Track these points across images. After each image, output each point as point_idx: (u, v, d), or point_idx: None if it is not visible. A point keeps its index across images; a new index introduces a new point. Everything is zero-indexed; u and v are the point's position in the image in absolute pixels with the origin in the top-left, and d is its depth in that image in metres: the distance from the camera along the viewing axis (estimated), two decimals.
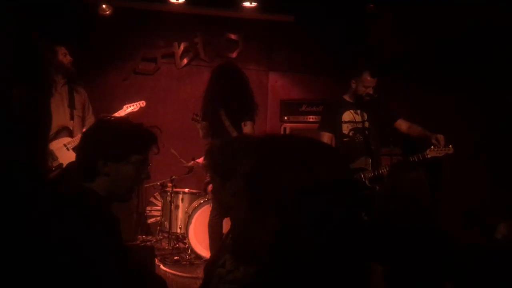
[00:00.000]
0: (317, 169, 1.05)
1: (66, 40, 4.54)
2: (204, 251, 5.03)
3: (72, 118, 4.46)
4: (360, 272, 1.14)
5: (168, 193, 5.62)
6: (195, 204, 5.36)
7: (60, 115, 4.34)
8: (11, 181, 0.93)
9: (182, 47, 6.88)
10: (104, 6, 6.25)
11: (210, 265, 1.87)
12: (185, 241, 5.47)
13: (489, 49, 4.91)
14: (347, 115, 4.43)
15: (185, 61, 6.93)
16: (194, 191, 5.78)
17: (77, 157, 1.94)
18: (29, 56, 0.95)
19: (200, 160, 5.56)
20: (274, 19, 6.82)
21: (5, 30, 0.93)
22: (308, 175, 1.04)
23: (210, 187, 5.35)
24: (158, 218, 5.96)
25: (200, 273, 4.49)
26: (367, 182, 4.18)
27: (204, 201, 5.27)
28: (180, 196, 5.67)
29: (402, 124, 4.41)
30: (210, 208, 4.61)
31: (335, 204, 1.05)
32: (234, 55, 6.94)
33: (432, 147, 4.05)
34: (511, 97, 4.56)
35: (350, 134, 4.41)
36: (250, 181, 1.06)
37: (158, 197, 6.19)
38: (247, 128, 4.30)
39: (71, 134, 4.44)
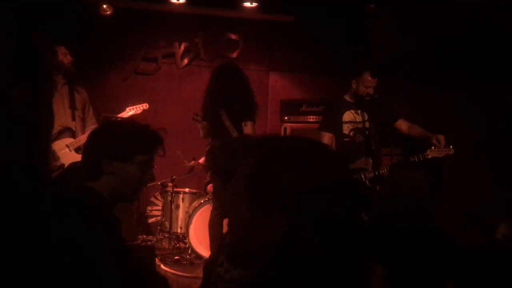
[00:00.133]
0: (317, 169, 1.06)
1: (66, 40, 4.54)
2: (204, 251, 5.04)
3: (74, 119, 4.47)
4: (360, 272, 1.14)
5: (169, 193, 5.62)
6: (195, 204, 5.36)
7: (61, 115, 4.34)
8: (11, 181, 0.93)
9: (182, 47, 6.89)
10: (104, 6, 6.26)
11: (209, 264, 1.88)
12: (185, 240, 5.48)
13: (489, 49, 4.91)
14: (348, 115, 4.43)
15: (185, 61, 6.94)
16: (195, 191, 5.78)
17: (82, 156, 1.95)
18: (29, 56, 0.95)
19: (201, 160, 5.56)
20: (274, 19, 6.82)
21: (5, 30, 0.94)
22: (309, 175, 1.04)
23: (210, 187, 5.36)
24: (159, 218, 5.96)
25: (200, 272, 4.49)
26: (367, 182, 4.18)
27: (204, 201, 5.27)
28: (181, 196, 5.68)
29: (402, 125, 4.41)
30: (210, 208, 4.61)
31: (335, 204, 1.05)
32: (234, 55, 6.95)
33: (433, 147, 4.05)
34: (511, 97, 4.56)
35: (351, 134, 4.41)
36: (252, 182, 1.06)
37: (159, 197, 6.19)
38: (247, 128, 4.30)
39: (73, 135, 4.45)
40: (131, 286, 1.80)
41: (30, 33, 0.96)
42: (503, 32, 4.64)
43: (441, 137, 4.05)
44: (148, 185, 6.01)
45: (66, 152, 4.37)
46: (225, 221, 4.14)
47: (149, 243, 5.78)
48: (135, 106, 4.79)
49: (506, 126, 4.64)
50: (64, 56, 4.39)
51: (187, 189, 5.78)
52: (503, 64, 4.71)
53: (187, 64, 6.94)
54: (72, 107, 4.47)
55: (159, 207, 6.05)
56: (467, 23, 4.95)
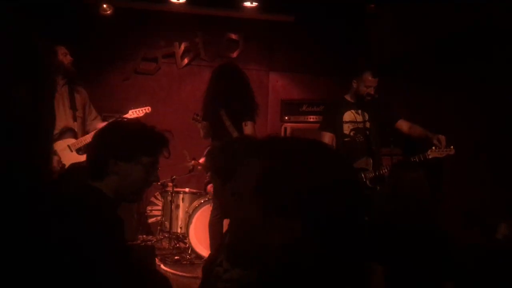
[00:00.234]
0: (329, 171, 1.07)
1: (66, 40, 4.54)
2: (204, 251, 5.04)
3: (75, 119, 4.48)
4: (360, 272, 1.14)
5: (169, 193, 5.62)
6: (195, 203, 5.36)
7: (62, 116, 4.35)
8: (11, 181, 0.93)
9: (182, 47, 6.89)
10: (104, 6, 6.27)
11: (209, 264, 1.88)
12: (185, 240, 5.48)
13: (489, 49, 4.90)
14: (348, 115, 4.43)
15: (185, 61, 6.94)
16: (195, 191, 5.78)
17: (87, 155, 1.96)
18: (29, 56, 0.95)
19: (201, 160, 5.56)
20: (274, 19, 6.83)
21: (5, 30, 0.94)
22: (321, 177, 1.05)
23: (210, 187, 5.36)
24: (159, 217, 5.96)
25: (200, 272, 4.49)
26: (368, 182, 4.18)
27: (204, 201, 5.27)
28: (181, 196, 5.68)
29: (403, 125, 4.41)
30: (210, 208, 4.61)
31: (345, 205, 1.06)
32: (234, 55, 6.95)
33: (434, 147, 4.05)
34: (511, 97, 4.56)
35: (351, 134, 4.41)
36: (264, 183, 1.06)
37: (159, 197, 6.19)
38: (248, 128, 4.30)
39: (75, 135, 4.46)
40: (132, 286, 1.80)
41: (30, 33, 0.96)
42: (503, 32, 4.64)
43: (442, 137, 4.05)
44: None
45: (67, 152, 4.38)
46: (225, 221, 4.14)
47: (149, 243, 5.78)
48: (138, 110, 4.80)
49: (506, 126, 4.63)
50: (64, 56, 4.39)
51: (187, 189, 5.78)
52: (503, 64, 4.71)
53: (187, 64, 6.95)
54: (73, 107, 4.47)
55: (159, 207, 6.05)
56: (467, 23, 4.95)
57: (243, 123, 4.30)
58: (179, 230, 5.59)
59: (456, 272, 2.63)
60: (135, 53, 6.78)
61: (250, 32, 6.94)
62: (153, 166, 1.94)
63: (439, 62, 5.52)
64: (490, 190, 4.70)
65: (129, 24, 6.56)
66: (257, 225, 1.06)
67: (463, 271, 2.69)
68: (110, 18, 6.32)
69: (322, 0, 6.32)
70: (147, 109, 4.82)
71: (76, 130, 4.48)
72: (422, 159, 4.06)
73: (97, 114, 4.77)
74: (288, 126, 6.38)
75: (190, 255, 5.19)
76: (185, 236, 5.46)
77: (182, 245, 5.63)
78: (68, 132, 4.43)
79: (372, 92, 4.32)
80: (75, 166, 4.32)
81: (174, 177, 5.62)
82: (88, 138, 4.50)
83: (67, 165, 4.32)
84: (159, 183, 5.83)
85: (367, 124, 4.37)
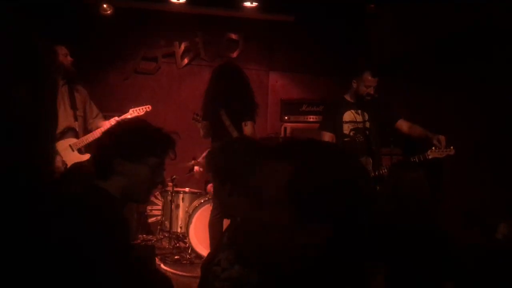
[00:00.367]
0: (349, 174, 1.11)
1: (66, 40, 4.54)
2: (204, 251, 5.04)
3: (76, 119, 4.48)
4: (360, 272, 1.15)
5: (169, 193, 5.62)
6: (195, 203, 5.36)
7: (63, 116, 4.36)
8: (11, 182, 0.93)
9: (182, 46, 6.89)
10: (104, 5, 6.27)
11: (207, 263, 1.88)
12: (185, 240, 5.48)
13: (489, 49, 4.91)
14: (348, 115, 4.44)
15: (185, 60, 6.94)
16: (195, 190, 5.78)
17: (94, 154, 1.95)
18: (29, 56, 0.95)
19: (200, 158, 5.56)
20: (274, 19, 6.83)
21: (5, 30, 0.94)
22: (345, 180, 1.08)
23: (210, 186, 5.37)
24: (159, 217, 5.97)
25: (200, 272, 4.50)
26: None
27: (204, 201, 5.28)
28: (181, 195, 5.68)
29: (403, 125, 4.41)
30: (210, 208, 4.62)
31: (364, 208, 1.10)
32: (234, 55, 6.95)
33: (433, 148, 4.06)
34: (511, 97, 4.56)
35: (351, 134, 4.41)
36: (294, 188, 1.07)
37: (159, 197, 6.19)
38: (247, 128, 4.30)
39: (76, 135, 4.47)
40: (134, 286, 1.80)
41: (30, 33, 0.96)
42: (503, 32, 4.64)
43: (442, 138, 4.05)
44: None
45: (69, 152, 4.39)
46: (225, 221, 4.15)
47: (149, 242, 5.78)
48: (138, 108, 4.80)
49: (506, 126, 4.63)
50: (65, 57, 4.40)
51: (187, 189, 5.78)
52: (503, 64, 4.71)
53: (187, 64, 6.95)
54: (73, 107, 4.48)
55: (159, 207, 6.05)
56: (467, 23, 4.95)
57: (243, 123, 4.30)
58: (179, 230, 5.59)
59: (456, 272, 2.63)
60: (135, 53, 6.79)
61: (250, 32, 6.94)
62: (160, 167, 1.93)
63: (439, 62, 5.52)
64: (490, 190, 4.70)
65: (129, 24, 6.56)
66: (284, 228, 1.07)
67: (463, 271, 2.69)
68: (110, 18, 6.32)
69: (322, 0, 6.32)
70: (148, 108, 4.82)
71: (77, 129, 4.49)
72: (422, 159, 4.07)
73: (99, 111, 4.78)
74: (288, 126, 6.38)
75: (190, 254, 5.19)
76: (185, 236, 5.46)
77: (182, 244, 5.63)
78: (70, 132, 4.44)
79: (372, 92, 4.32)
80: (76, 165, 4.33)
81: (174, 176, 5.62)
82: (89, 137, 4.50)
83: (69, 165, 4.33)
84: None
85: (367, 124, 4.37)
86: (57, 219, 1.49)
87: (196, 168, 5.73)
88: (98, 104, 4.96)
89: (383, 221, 2.77)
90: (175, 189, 5.62)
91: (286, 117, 6.45)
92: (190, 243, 5.20)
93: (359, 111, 4.40)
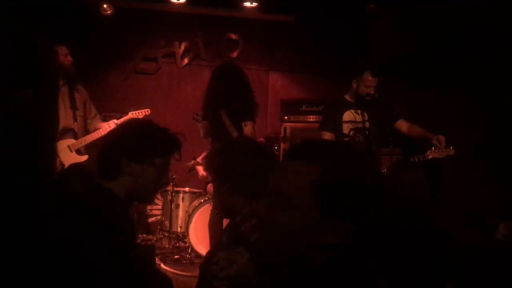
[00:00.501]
0: (369, 173, 1.16)
1: (66, 40, 4.54)
2: (204, 250, 5.03)
3: (75, 119, 4.48)
4: (361, 273, 1.15)
5: (169, 192, 5.62)
6: (195, 203, 5.36)
7: (62, 116, 4.36)
8: (11, 182, 0.93)
9: (182, 46, 6.89)
10: (104, 6, 6.27)
11: (206, 263, 1.88)
12: (185, 240, 5.48)
13: (489, 49, 4.90)
14: (348, 115, 4.43)
15: (185, 60, 6.94)
16: (195, 190, 5.78)
17: (100, 153, 1.93)
18: (30, 56, 0.95)
19: (200, 158, 5.56)
20: (274, 19, 6.83)
21: (5, 30, 0.94)
22: (366, 178, 1.12)
23: (209, 186, 5.36)
24: (159, 217, 5.97)
25: None
26: None
27: (204, 200, 5.28)
28: (181, 195, 5.68)
29: (402, 125, 4.41)
30: (210, 207, 4.62)
31: (383, 204, 1.13)
32: (234, 55, 6.95)
33: (433, 148, 4.06)
34: (511, 97, 4.56)
35: (351, 134, 4.41)
36: (319, 187, 1.09)
37: (159, 196, 6.18)
38: (247, 128, 4.30)
39: (75, 136, 4.47)
40: (134, 286, 1.80)
41: (31, 33, 0.96)
42: (503, 32, 4.64)
43: (442, 138, 4.05)
44: None
45: (67, 153, 4.39)
46: (225, 221, 4.15)
47: (149, 242, 5.78)
48: (138, 111, 4.81)
49: (506, 126, 4.63)
50: (65, 57, 4.40)
51: (187, 189, 5.78)
52: (503, 64, 4.71)
53: (187, 64, 6.95)
54: (73, 107, 4.48)
55: (159, 207, 6.05)
56: (467, 23, 4.94)
57: (243, 123, 4.31)
58: (179, 230, 5.59)
59: (456, 272, 2.63)
60: (135, 53, 6.78)
61: (250, 32, 6.94)
62: (165, 167, 1.94)
63: (439, 62, 5.52)
64: (490, 190, 4.70)
65: (129, 24, 6.55)
66: (310, 229, 1.08)
67: (463, 271, 2.69)
68: (110, 18, 6.32)
69: (322, 0, 6.32)
70: (147, 111, 4.83)
71: (76, 130, 4.49)
72: (421, 159, 4.07)
73: (97, 112, 4.78)
74: (288, 126, 6.38)
75: (190, 254, 5.19)
76: (185, 236, 5.46)
77: (182, 244, 5.63)
78: (69, 132, 4.44)
79: (372, 92, 4.32)
80: (74, 166, 4.33)
81: (174, 176, 5.61)
82: (88, 139, 4.50)
83: (66, 166, 4.33)
84: None
85: (367, 124, 4.37)
86: (58, 219, 1.49)
87: (201, 173, 5.72)
88: (98, 104, 4.97)
89: (383, 221, 2.77)
90: (175, 188, 5.62)
91: (286, 117, 6.45)
92: (190, 242, 5.20)
93: (359, 111, 4.41)
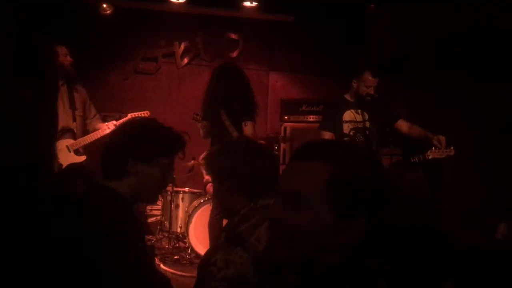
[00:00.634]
0: (380, 172, 1.19)
1: (66, 40, 4.54)
2: (204, 251, 5.02)
3: (74, 119, 4.48)
4: (361, 273, 1.15)
5: (169, 193, 5.62)
6: (195, 203, 5.36)
7: (62, 116, 4.36)
8: (11, 182, 0.93)
9: (182, 46, 6.89)
10: (104, 5, 6.26)
11: (204, 263, 1.88)
12: (185, 240, 5.48)
13: (489, 49, 4.90)
14: (348, 115, 4.44)
15: (185, 60, 6.94)
16: (195, 190, 5.78)
17: (104, 154, 1.91)
18: (30, 56, 0.95)
19: (200, 158, 5.56)
20: (274, 19, 6.82)
21: (5, 30, 0.94)
22: (378, 177, 1.15)
23: (209, 186, 5.36)
24: (158, 217, 5.96)
25: None
26: None
27: (204, 201, 5.27)
28: (181, 195, 5.68)
29: (402, 125, 4.41)
30: (210, 208, 4.61)
31: (390, 201, 1.17)
32: (234, 54, 6.95)
33: (433, 148, 4.06)
34: (511, 97, 4.56)
35: (351, 133, 4.41)
36: (334, 186, 1.10)
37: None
38: (247, 128, 4.30)
39: (74, 136, 4.46)
40: (133, 286, 1.80)
41: (31, 33, 0.96)
42: (503, 32, 4.64)
43: (442, 138, 4.05)
44: None
45: (66, 153, 4.39)
46: (225, 221, 4.14)
47: (148, 242, 5.77)
48: (136, 114, 4.81)
49: (506, 126, 4.63)
50: (65, 57, 4.40)
51: (186, 189, 5.78)
52: (503, 64, 4.71)
53: (187, 64, 6.94)
54: (72, 107, 4.48)
55: (159, 207, 6.04)
56: (467, 23, 4.94)
57: (243, 123, 4.31)
58: (178, 230, 5.59)
59: (456, 272, 2.63)
60: (135, 53, 6.78)
61: (250, 32, 6.94)
62: (170, 167, 1.93)
63: (439, 62, 5.52)
64: (490, 190, 4.70)
65: (129, 24, 6.55)
66: (324, 228, 1.09)
67: (463, 271, 2.69)
68: (110, 18, 6.31)
69: (322, 0, 6.31)
70: (146, 113, 4.84)
71: (75, 130, 4.48)
72: (422, 159, 4.07)
73: (96, 112, 4.78)
74: (288, 126, 6.38)
75: (189, 254, 5.19)
76: (184, 236, 5.46)
77: (181, 244, 5.63)
78: (67, 132, 4.44)
79: (372, 92, 4.33)
80: (73, 166, 4.33)
81: (174, 176, 5.61)
82: (87, 139, 4.50)
83: (64, 166, 4.33)
84: None
85: (367, 124, 4.37)
86: (58, 219, 1.49)
87: (206, 177, 5.71)
88: (98, 104, 4.96)
89: (383, 221, 2.77)
90: (175, 189, 5.62)
91: (286, 117, 6.45)
92: (189, 243, 5.20)
93: (359, 111, 4.41)
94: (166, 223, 5.66)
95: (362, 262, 1.14)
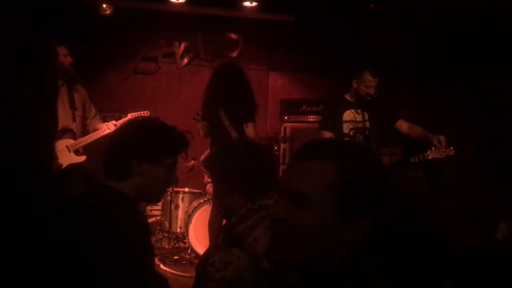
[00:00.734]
0: (383, 171, 1.20)
1: (66, 40, 4.54)
2: (203, 251, 5.03)
3: (74, 119, 4.48)
4: (361, 273, 1.15)
5: (168, 193, 5.62)
6: (195, 203, 5.36)
7: (62, 116, 4.36)
8: (11, 182, 0.93)
9: (182, 46, 6.89)
10: (104, 5, 6.26)
11: (202, 264, 1.89)
12: (185, 240, 5.48)
13: (489, 49, 4.90)
14: (348, 115, 4.44)
15: (185, 60, 6.93)
16: (194, 190, 5.78)
17: (108, 154, 1.90)
18: (31, 57, 0.95)
19: (200, 158, 5.56)
20: (274, 19, 6.82)
21: (5, 30, 0.94)
22: (382, 177, 1.16)
23: (209, 186, 5.36)
24: (158, 217, 5.96)
25: None
26: None
27: (204, 201, 5.27)
28: (180, 195, 5.68)
29: (402, 125, 4.41)
30: (210, 208, 4.61)
31: (392, 199, 1.18)
32: (234, 54, 6.94)
33: (433, 148, 4.06)
34: (511, 97, 4.56)
35: (351, 133, 4.41)
36: (339, 185, 1.10)
37: None
38: (249, 130, 4.29)
39: (74, 136, 4.46)
40: (132, 286, 1.80)
41: (31, 34, 0.96)
42: (503, 32, 4.64)
43: (442, 138, 4.05)
44: None
45: (65, 153, 4.39)
46: (225, 221, 4.14)
47: None
48: (136, 114, 4.81)
49: (506, 126, 4.63)
50: (65, 57, 4.40)
51: (186, 189, 5.77)
52: (503, 64, 4.71)
53: (187, 64, 6.94)
54: (72, 107, 4.48)
55: (159, 207, 6.04)
56: (467, 23, 4.94)
57: (244, 125, 4.29)
58: (178, 230, 5.59)
59: (456, 272, 2.63)
60: (135, 53, 6.78)
61: (250, 32, 6.94)
62: (173, 166, 1.93)
63: (439, 62, 5.52)
64: (490, 190, 4.70)
65: (129, 24, 6.55)
66: (329, 227, 1.09)
67: (463, 271, 2.69)
68: (110, 18, 6.31)
69: (322, 0, 6.31)
70: (146, 113, 4.83)
71: (75, 130, 4.48)
72: (421, 159, 4.07)
73: (96, 112, 4.78)
74: (288, 126, 6.37)
75: (189, 255, 5.19)
76: (184, 236, 5.46)
77: (181, 245, 5.63)
78: (67, 132, 4.44)
79: (372, 92, 4.33)
80: (73, 166, 4.33)
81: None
82: (86, 139, 4.50)
83: (64, 166, 4.33)
84: None
85: (367, 124, 4.37)
86: (58, 219, 1.49)
87: (207, 179, 5.72)
88: (98, 104, 4.96)
89: (384, 221, 2.77)
90: (175, 189, 5.62)
91: (286, 117, 6.45)
92: (189, 243, 5.20)
93: (359, 111, 4.41)
94: (166, 223, 5.66)
95: (362, 262, 1.13)
